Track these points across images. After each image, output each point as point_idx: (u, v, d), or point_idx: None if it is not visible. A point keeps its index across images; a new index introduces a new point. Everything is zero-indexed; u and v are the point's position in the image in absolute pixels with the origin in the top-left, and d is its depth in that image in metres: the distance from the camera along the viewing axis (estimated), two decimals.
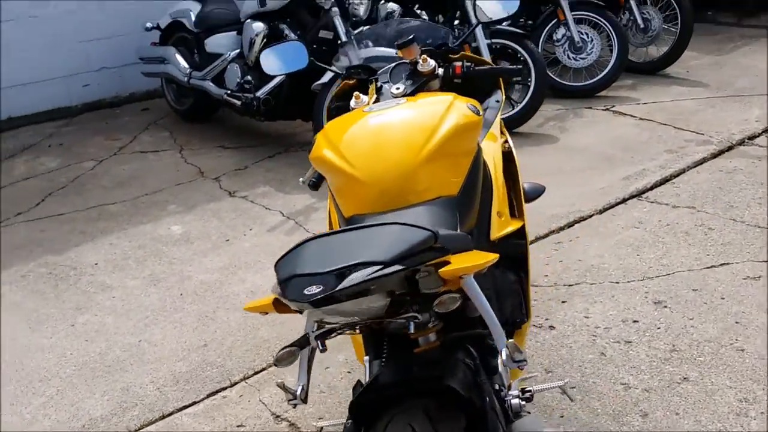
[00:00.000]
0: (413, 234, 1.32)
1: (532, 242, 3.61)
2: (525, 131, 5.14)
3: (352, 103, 2.23)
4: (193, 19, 5.62)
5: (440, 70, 2.37)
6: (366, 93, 2.28)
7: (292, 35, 4.80)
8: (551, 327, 2.97)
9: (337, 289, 1.14)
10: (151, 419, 2.62)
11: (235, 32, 5.29)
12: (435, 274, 1.32)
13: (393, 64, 2.38)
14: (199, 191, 4.62)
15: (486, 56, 5.01)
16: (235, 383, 2.77)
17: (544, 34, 5.70)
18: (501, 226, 2.06)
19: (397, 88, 2.31)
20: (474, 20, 5.02)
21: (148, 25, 5.92)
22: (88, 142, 5.74)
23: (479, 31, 4.99)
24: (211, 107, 5.74)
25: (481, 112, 2.03)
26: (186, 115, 5.97)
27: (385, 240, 1.29)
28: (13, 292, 3.60)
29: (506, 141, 2.45)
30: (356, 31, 4.60)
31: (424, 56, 2.31)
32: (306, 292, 1.14)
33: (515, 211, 2.26)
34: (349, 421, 1.50)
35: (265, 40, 4.91)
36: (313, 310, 1.17)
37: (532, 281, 3.19)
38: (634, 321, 2.95)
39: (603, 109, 5.41)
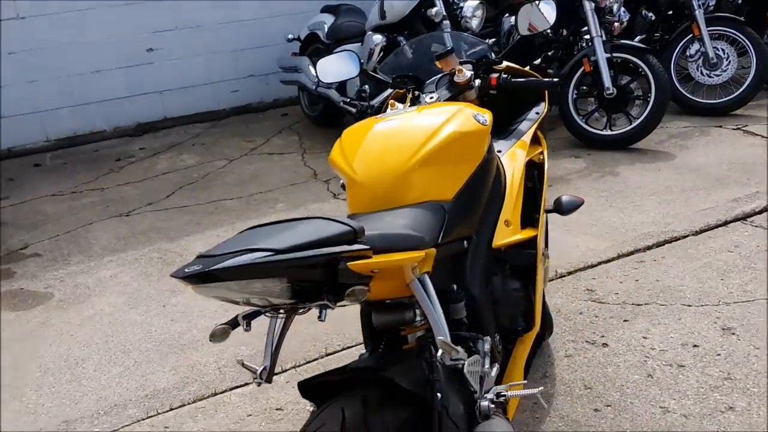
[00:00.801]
0: (329, 228, 1.40)
1: (612, 260, 3.54)
2: (643, 147, 4.97)
3: (388, 110, 2.32)
4: (326, 30, 5.92)
5: (477, 82, 2.42)
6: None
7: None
8: (604, 344, 2.89)
9: (211, 268, 1.22)
10: (203, 395, 2.84)
11: (360, 43, 5.52)
12: (346, 267, 1.38)
13: (440, 75, 2.46)
14: (309, 192, 4.87)
15: (604, 70, 4.90)
16: (285, 370, 2.94)
17: (677, 49, 5.47)
18: (506, 234, 2.08)
19: (431, 98, 2.39)
20: (592, 33, 4.93)
21: (290, 36, 6.30)
22: (226, 143, 6.19)
23: (598, 45, 4.90)
24: (338, 113, 6.01)
25: (487, 122, 2.06)
26: (316, 121, 6.31)
27: (298, 231, 1.38)
28: (124, 273, 3.99)
29: (541, 152, 2.45)
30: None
31: (460, 67, 2.37)
32: (186, 269, 1.25)
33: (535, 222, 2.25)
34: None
35: (382, 52, 5.10)
36: (196, 287, 1.26)
37: (599, 298, 3.14)
38: (694, 345, 2.81)
39: (733, 128, 5.11)
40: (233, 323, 1.51)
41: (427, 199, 1.88)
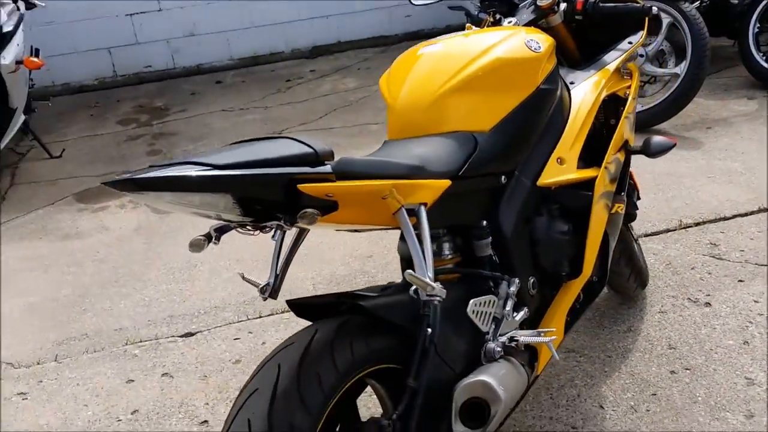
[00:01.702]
0: (289, 148, 1.37)
1: (749, 214, 3.21)
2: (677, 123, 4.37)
3: None
4: None
5: (563, 5, 2.24)
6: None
7: None
8: (707, 304, 2.65)
9: (135, 176, 1.24)
10: (282, 309, 2.95)
11: None
12: (297, 189, 1.35)
13: None
14: None
15: None
16: None
17: (759, 9, 4.61)
18: (557, 173, 1.94)
19: (509, 22, 2.25)
20: None
21: None
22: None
23: None
24: None
25: (542, 49, 1.92)
26: None
27: (255, 149, 1.36)
28: None
29: (629, 86, 2.23)
30: None
31: None
32: (117, 176, 1.27)
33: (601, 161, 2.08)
34: None
35: None
36: (130, 194, 1.27)
37: (719, 254, 2.88)
38: None
39: None
40: (208, 236, 1.55)
41: (460, 129, 1.79)
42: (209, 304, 3.08)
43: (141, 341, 2.90)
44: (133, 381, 2.65)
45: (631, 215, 2.56)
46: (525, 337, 1.74)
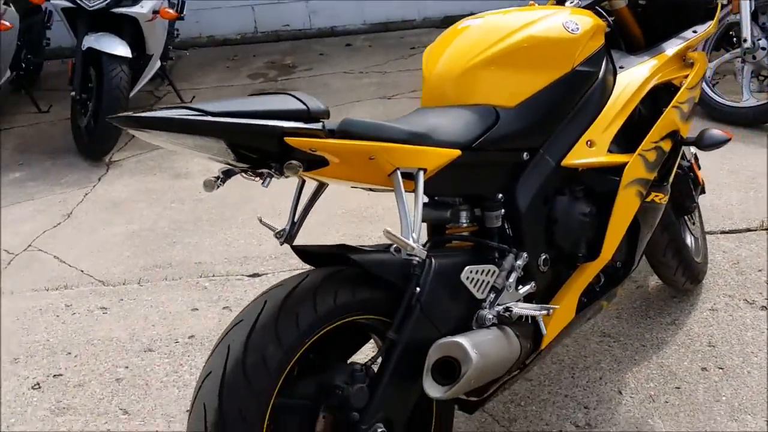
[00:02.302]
0: (284, 103, 1.48)
1: None
2: None
3: None
4: None
5: None
6: None
7: None
8: (763, 308, 2.55)
9: (135, 114, 1.36)
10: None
11: None
12: (284, 141, 1.45)
13: None
14: None
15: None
16: None
17: None
18: (583, 155, 1.95)
19: (571, 2, 2.25)
20: None
21: None
22: None
23: None
24: None
25: (579, 31, 1.92)
26: None
27: (254, 101, 1.47)
28: None
29: (686, 76, 2.18)
30: None
31: None
32: (121, 114, 1.42)
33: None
34: None
35: None
36: (131, 131, 1.42)
37: None
38: None
39: None
40: (217, 177, 1.68)
41: (484, 102, 1.84)
42: (280, 251, 3.28)
43: (213, 276, 3.14)
44: (197, 309, 2.90)
45: (685, 208, 2.51)
46: (519, 308, 1.79)
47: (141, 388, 2.46)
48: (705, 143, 2.21)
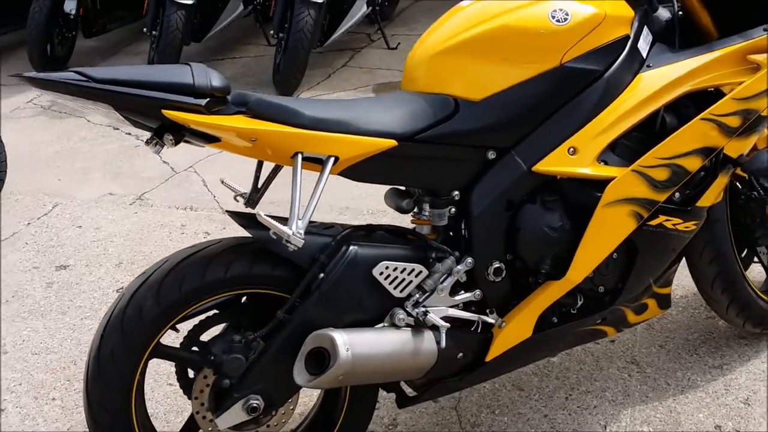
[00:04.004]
0: (176, 75, 1.51)
1: None
2: None
3: None
4: None
5: None
6: None
7: None
8: None
9: (31, 75, 1.44)
10: None
11: None
12: (161, 113, 1.49)
13: None
14: None
15: None
16: None
17: None
18: (560, 162, 1.76)
19: None
20: None
21: None
22: None
23: None
24: None
25: (568, 22, 1.72)
26: None
27: (149, 70, 1.54)
28: None
29: (741, 82, 1.84)
30: None
31: None
32: (25, 74, 1.48)
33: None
34: None
35: None
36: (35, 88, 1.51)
37: None
38: None
39: None
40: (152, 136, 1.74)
41: (445, 92, 1.75)
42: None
43: None
44: None
45: (754, 239, 2.16)
46: (432, 313, 1.72)
47: None
48: (754, 167, 1.89)
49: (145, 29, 5.20)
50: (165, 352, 1.70)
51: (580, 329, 1.94)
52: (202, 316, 1.73)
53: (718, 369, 2.21)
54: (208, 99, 1.53)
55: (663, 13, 1.97)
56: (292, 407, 1.77)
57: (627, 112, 1.79)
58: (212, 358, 1.66)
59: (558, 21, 1.73)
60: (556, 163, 1.77)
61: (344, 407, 1.84)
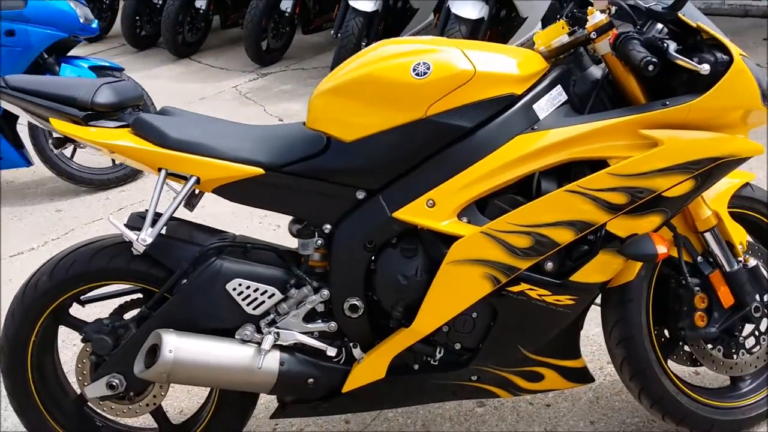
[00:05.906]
0: (81, 90, 1.83)
1: None
2: None
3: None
4: None
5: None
6: None
7: None
8: None
9: None
10: None
11: None
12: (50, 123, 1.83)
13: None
14: None
15: None
16: None
17: None
18: (417, 213, 1.80)
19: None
20: None
21: None
22: None
23: None
24: None
25: (427, 76, 1.73)
26: None
27: (61, 83, 1.91)
28: None
29: (627, 157, 1.72)
30: None
31: (608, 5, 1.82)
32: None
33: None
34: None
35: None
36: None
37: None
38: None
39: None
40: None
41: (321, 129, 1.85)
42: None
43: None
44: None
45: (677, 334, 1.98)
46: (282, 336, 1.85)
47: None
48: (628, 251, 1.75)
49: (332, 32, 5.65)
50: (69, 322, 2.02)
51: (449, 382, 1.93)
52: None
53: None
54: (87, 112, 1.82)
55: (594, 73, 1.87)
56: (163, 392, 1.99)
57: (492, 172, 1.77)
58: (84, 335, 1.94)
59: (418, 75, 1.76)
60: (413, 213, 1.80)
61: (211, 409, 2.03)
